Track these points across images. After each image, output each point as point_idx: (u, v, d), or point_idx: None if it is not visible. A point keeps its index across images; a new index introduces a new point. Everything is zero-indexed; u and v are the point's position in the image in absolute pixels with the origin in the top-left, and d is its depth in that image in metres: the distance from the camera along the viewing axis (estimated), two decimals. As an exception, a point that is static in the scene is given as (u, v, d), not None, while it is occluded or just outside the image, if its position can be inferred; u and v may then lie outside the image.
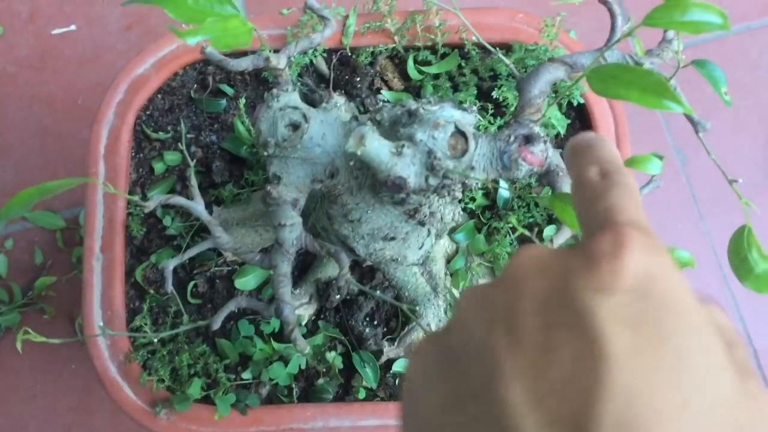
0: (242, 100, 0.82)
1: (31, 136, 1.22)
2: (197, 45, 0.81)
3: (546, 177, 0.56)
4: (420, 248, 0.68)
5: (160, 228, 0.81)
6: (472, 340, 0.26)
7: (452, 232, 0.80)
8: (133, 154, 0.83)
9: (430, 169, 0.52)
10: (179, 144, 0.83)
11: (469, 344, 0.26)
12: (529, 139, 0.54)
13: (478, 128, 0.75)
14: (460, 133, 0.53)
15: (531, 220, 0.80)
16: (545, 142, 0.55)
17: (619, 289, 0.24)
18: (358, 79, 0.84)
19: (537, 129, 0.55)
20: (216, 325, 0.60)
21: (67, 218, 1.19)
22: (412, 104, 0.55)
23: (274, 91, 0.59)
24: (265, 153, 0.58)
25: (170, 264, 0.61)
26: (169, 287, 0.61)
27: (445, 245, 0.80)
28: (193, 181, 0.61)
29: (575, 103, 0.81)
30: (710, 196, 1.21)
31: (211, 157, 0.82)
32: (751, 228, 0.51)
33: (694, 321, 0.24)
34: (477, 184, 0.57)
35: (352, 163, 0.58)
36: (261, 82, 0.86)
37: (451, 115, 0.54)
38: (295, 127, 0.57)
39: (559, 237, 0.74)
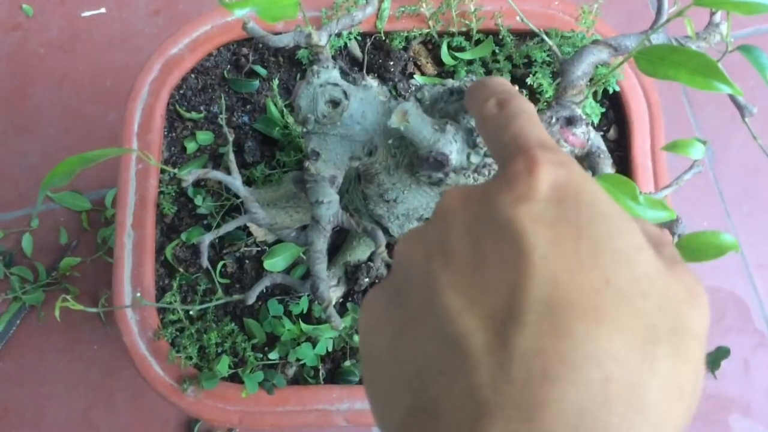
0: (275, 81, 0.82)
1: (59, 118, 1.23)
2: (232, 24, 0.81)
3: (587, 159, 0.56)
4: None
5: (191, 207, 0.81)
6: (411, 274, 0.28)
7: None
8: (165, 133, 0.83)
9: (472, 147, 0.52)
10: (211, 124, 0.83)
11: (409, 279, 0.28)
12: (570, 121, 0.54)
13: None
14: (502, 111, 0.53)
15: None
16: (587, 124, 0.55)
17: (536, 198, 0.26)
18: (391, 63, 0.84)
19: (579, 111, 0.55)
20: (251, 299, 0.60)
21: (92, 200, 1.20)
22: (454, 83, 0.55)
23: (315, 67, 0.58)
24: (304, 129, 0.58)
25: (206, 238, 0.61)
26: (205, 262, 0.61)
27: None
28: (231, 156, 0.61)
29: (611, 91, 0.81)
30: (737, 193, 1.20)
31: (243, 138, 0.82)
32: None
33: (608, 210, 0.26)
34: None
35: (390, 141, 0.58)
36: (294, 64, 0.86)
37: (494, 94, 0.54)
38: (335, 104, 0.57)
39: None
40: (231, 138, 0.66)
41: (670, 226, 0.50)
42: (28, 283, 1.15)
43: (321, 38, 0.58)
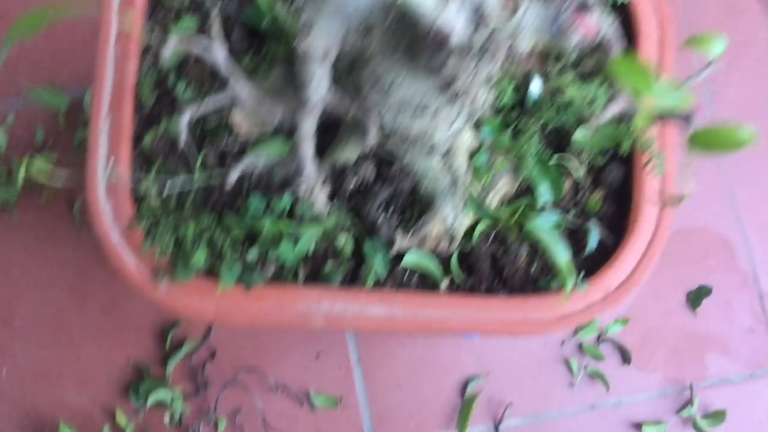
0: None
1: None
2: None
3: (598, 52, 0.53)
4: (449, 128, 0.64)
5: (172, 97, 0.77)
6: None
7: (476, 126, 0.77)
8: (146, 18, 0.78)
9: (477, 23, 0.49)
10: (196, 11, 0.79)
11: None
12: (583, 7, 0.51)
13: None
14: (511, -11, 0.50)
15: (562, 122, 0.77)
16: (600, 12, 0.51)
17: None
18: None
19: (592, -3, 0.52)
20: (232, 177, 0.57)
21: (72, 99, 1.15)
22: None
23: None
24: (296, 4, 0.54)
25: (185, 116, 0.57)
26: (184, 139, 0.57)
27: (467, 140, 0.77)
28: (216, 25, 0.57)
29: (618, 2, 0.77)
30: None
31: (229, 29, 0.78)
32: None
33: None
34: (523, 49, 0.53)
35: (389, 21, 0.54)
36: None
37: (503, -30, 0.50)
38: (331, -25, 0.53)
39: (612, 108, 0.68)
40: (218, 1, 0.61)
41: (685, 115, 0.48)
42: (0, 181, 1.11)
43: None
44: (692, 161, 0.48)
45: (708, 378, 1.12)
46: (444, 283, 0.77)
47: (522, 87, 0.77)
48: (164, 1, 0.79)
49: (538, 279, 0.78)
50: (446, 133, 0.65)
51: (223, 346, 1.08)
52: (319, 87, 0.54)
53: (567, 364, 1.11)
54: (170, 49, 0.52)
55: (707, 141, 0.48)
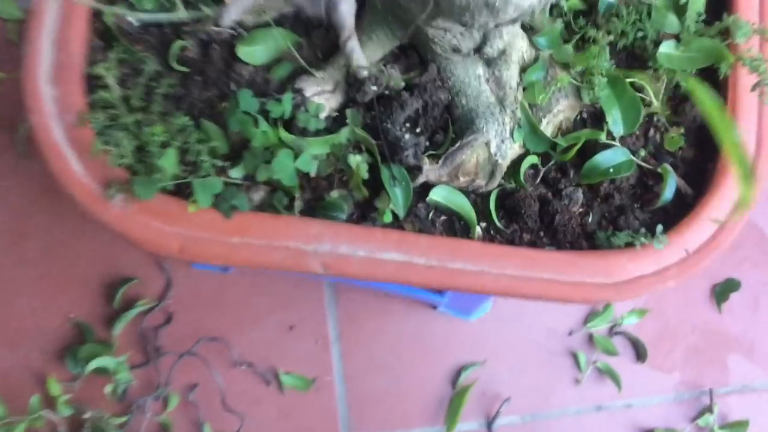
0: None
1: None
2: None
3: None
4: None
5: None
6: None
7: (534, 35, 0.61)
8: None
9: None
10: None
11: None
12: None
13: None
14: None
15: (641, 34, 0.61)
16: None
17: None
18: None
19: None
20: (225, 19, 0.39)
21: (25, 8, 0.98)
22: None
23: None
24: None
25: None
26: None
27: (522, 49, 0.61)
28: None
29: None
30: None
31: None
32: None
33: None
34: None
35: None
36: None
37: None
38: None
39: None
40: None
41: None
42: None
43: None
44: None
45: (730, 383, 1.01)
46: (478, 230, 0.61)
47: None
48: None
49: (595, 233, 0.62)
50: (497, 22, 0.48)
51: (181, 310, 0.93)
52: None
53: (574, 357, 0.98)
54: None
55: None
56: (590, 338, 0.99)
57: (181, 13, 0.53)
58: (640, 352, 0.99)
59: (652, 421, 0.98)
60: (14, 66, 0.95)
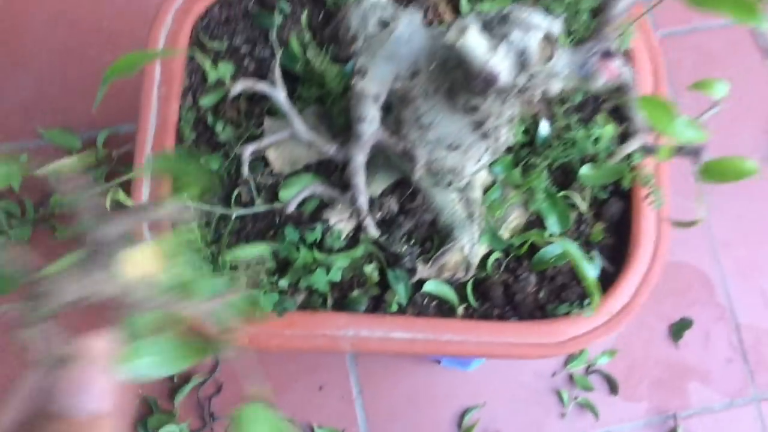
0: (304, 17, 0.84)
1: (53, 56, 1.22)
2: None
3: (617, 92, 0.60)
4: (477, 163, 0.71)
5: (209, 136, 0.83)
6: None
7: (490, 165, 0.84)
8: (186, 62, 0.84)
9: (520, 68, 0.56)
10: (233, 56, 0.85)
11: None
12: (608, 54, 0.58)
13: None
14: (547, 38, 0.57)
15: (569, 158, 0.84)
16: (620, 58, 0.59)
17: None
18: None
19: (614, 46, 0.59)
20: (291, 207, 0.62)
21: (84, 140, 1.20)
22: (504, 8, 0.59)
23: (365, -10, 0.61)
24: (352, 49, 0.61)
25: (248, 148, 0.63)
26: (246, 171, 0.63)
27: (483, 176, 0.84)
28: (278, 72, 0.63)
29: (622, 49, 0.85)
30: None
31: (264, 72, 0.84)
32: None
33: None
34: (555, 91, 0.61)
35: (433, 66, 0.61)
36: (317, 4, 0.88)
37: (540, 22, 0.57)
38: (384, 24, 0.60)
39: (629, 145, 0.75)
40: (279, 51, 0.68)
41: (697, 149, 0.55)
42: (15, 218, 1.15)
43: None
44: (703, 190, 0.55)
45: (690, 407, 1.17)
46: (460, 309, 0.82)
47: (531, 128, 0.85)
48: (205, 44, 0.85)
49: (545, 305, 0.84)
50: (474, 168, 0.71)
51: (229, 380, 1.11)
52: (371, 124, 0.61)
53: (558, 394, 1.16)
54: (238, 89, 0.58)
55: (717, 171, 0.55)
56: (570, 378, 1.17)
57: (258, 204, 0.76)
58: (612, 386, 1.17)
59: (627, 445, 1.15)
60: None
